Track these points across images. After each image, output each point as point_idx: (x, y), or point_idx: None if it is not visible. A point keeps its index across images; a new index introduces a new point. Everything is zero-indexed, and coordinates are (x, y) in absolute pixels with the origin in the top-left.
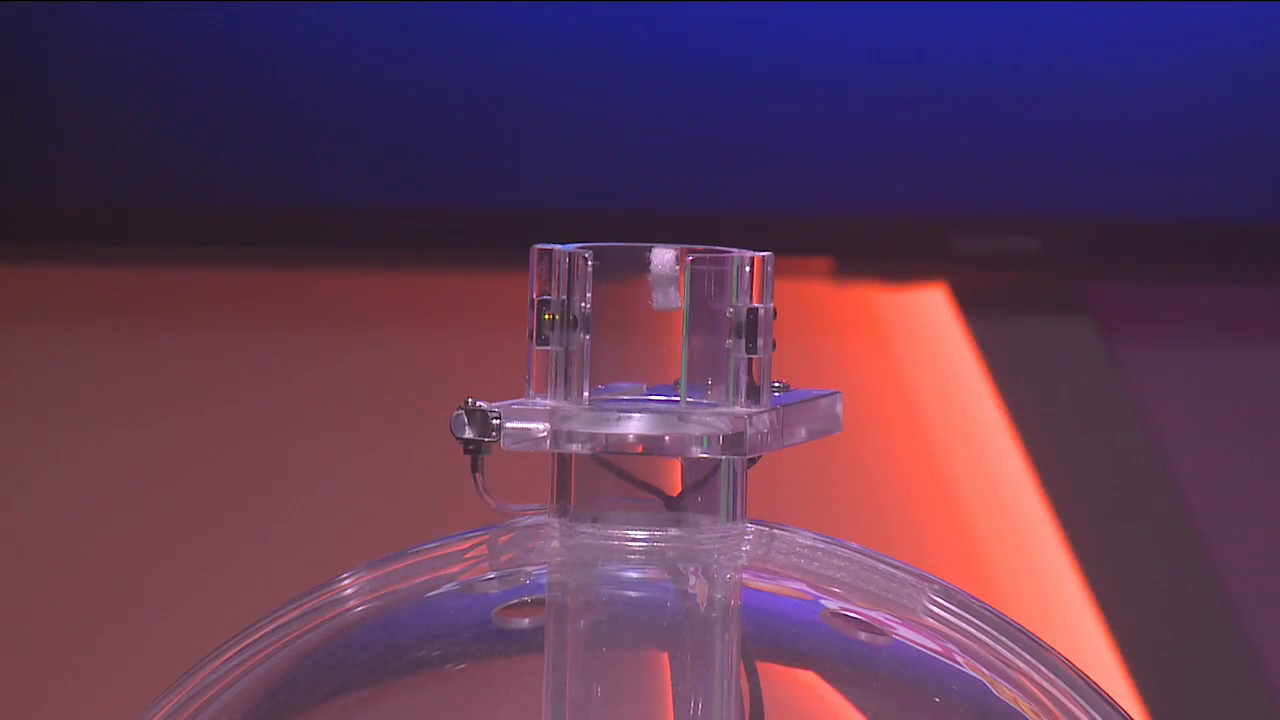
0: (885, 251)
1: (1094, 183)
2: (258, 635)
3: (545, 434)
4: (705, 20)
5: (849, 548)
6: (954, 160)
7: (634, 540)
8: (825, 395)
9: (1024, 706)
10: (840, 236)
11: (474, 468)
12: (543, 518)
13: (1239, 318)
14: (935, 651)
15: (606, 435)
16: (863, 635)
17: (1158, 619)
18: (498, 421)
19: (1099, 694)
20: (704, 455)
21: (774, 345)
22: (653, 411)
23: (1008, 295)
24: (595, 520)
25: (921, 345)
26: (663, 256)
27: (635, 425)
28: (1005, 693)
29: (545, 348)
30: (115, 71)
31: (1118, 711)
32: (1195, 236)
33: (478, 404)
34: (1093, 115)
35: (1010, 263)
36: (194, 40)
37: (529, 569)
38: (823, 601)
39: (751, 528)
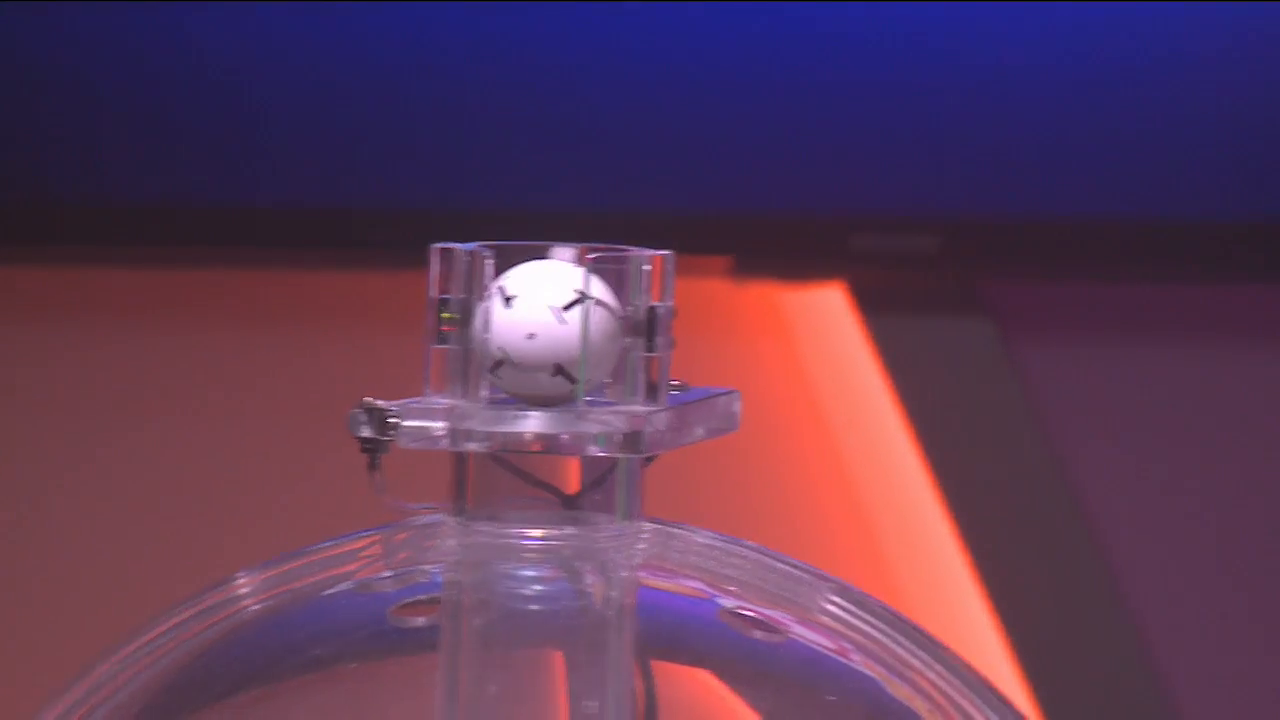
0: (784, 250)
1: (992, 181)
2: (151, 635)
3: (443, 433)
4: (626, 18)
5: (747, 546)
6: (852, 159)
7: (530, 539)
8: (723, 394)
9: (919, 705)
10: (739, 235)
11: (371, 466)
12: (439, 516)
13: (1135, 317)
14: (830, 650)
15: (504, 434)
16: (758, 633)
17: (1052, 619)
18: (395, 420)
19: (994, 693)
20: (601, 454)
21: (673, 343)
22: (550, 410)
23: (906, 294)
24: (492, 519)
25: (820, 344)
26: (563, 255)
27: (533, 424)
28: (900, 691)
29: (444, 346)
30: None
31: (1012, 710)
32: (1092, 235)
33: (376, 402)
34: (987, 113)
35: (909, 262)
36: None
37: (425, 567)
38: (719, 600)
39: (649, 526)
